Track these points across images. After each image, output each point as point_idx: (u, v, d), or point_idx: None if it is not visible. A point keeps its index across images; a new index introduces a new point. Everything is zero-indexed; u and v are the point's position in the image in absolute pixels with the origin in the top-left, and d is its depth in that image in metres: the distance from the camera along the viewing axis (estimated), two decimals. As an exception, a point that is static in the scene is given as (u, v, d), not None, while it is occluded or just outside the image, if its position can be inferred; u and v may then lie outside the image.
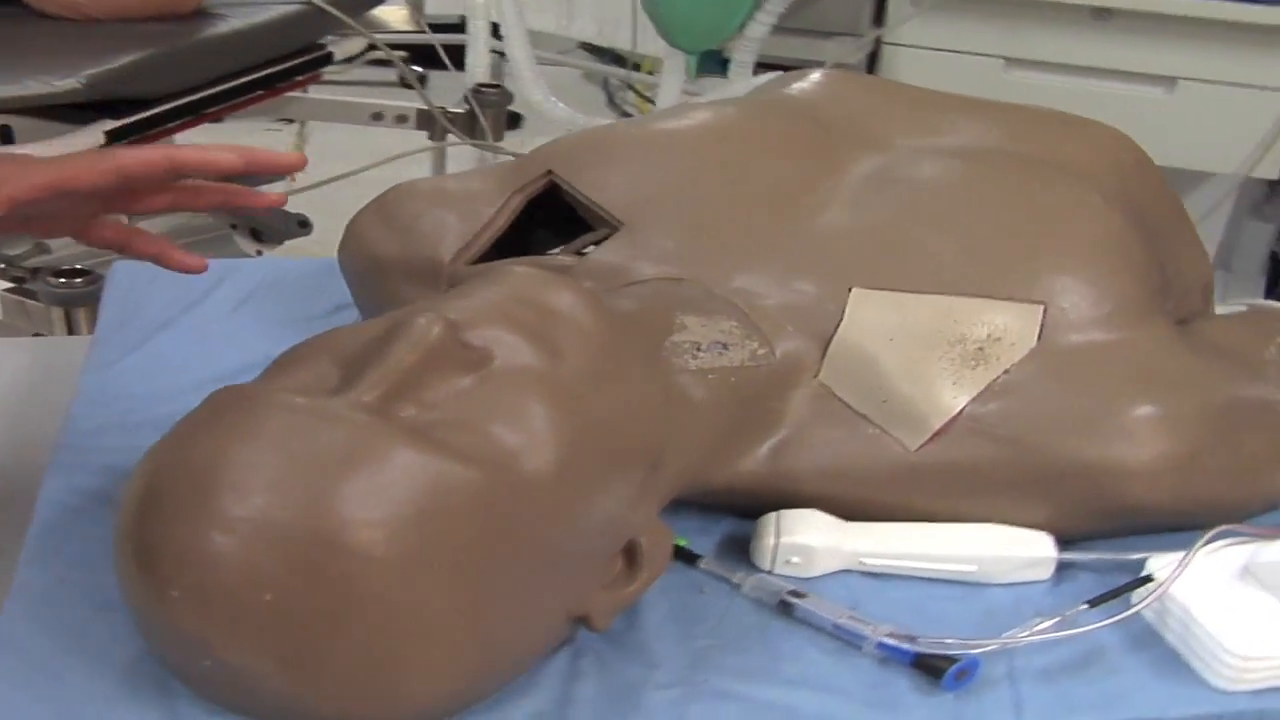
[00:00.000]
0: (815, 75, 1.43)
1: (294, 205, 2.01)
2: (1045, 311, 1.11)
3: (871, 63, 3.00)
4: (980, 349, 1.10)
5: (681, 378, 1.05)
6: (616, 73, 3.77)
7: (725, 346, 1.08)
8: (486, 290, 0.97)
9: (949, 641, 0.98)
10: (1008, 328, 1.11)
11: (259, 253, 2.19)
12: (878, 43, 2.96)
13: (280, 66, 2.31)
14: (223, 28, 2.18)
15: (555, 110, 2.77)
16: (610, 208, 1.22)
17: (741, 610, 1.04)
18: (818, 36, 2.96)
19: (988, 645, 0.97)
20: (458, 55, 2.87)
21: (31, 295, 2.02)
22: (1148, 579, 1.03)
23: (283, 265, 1.53)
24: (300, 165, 1.11)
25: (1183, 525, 1.11)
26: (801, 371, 1.12)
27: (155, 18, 2.17)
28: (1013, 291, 1.12)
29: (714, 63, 2.96)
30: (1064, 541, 1.09)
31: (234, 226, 2.12)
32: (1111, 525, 1.12)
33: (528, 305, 0.95)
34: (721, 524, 1.13)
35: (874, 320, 1.12)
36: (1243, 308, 1.40)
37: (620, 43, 3.39)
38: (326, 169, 2.52)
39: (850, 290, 1.14)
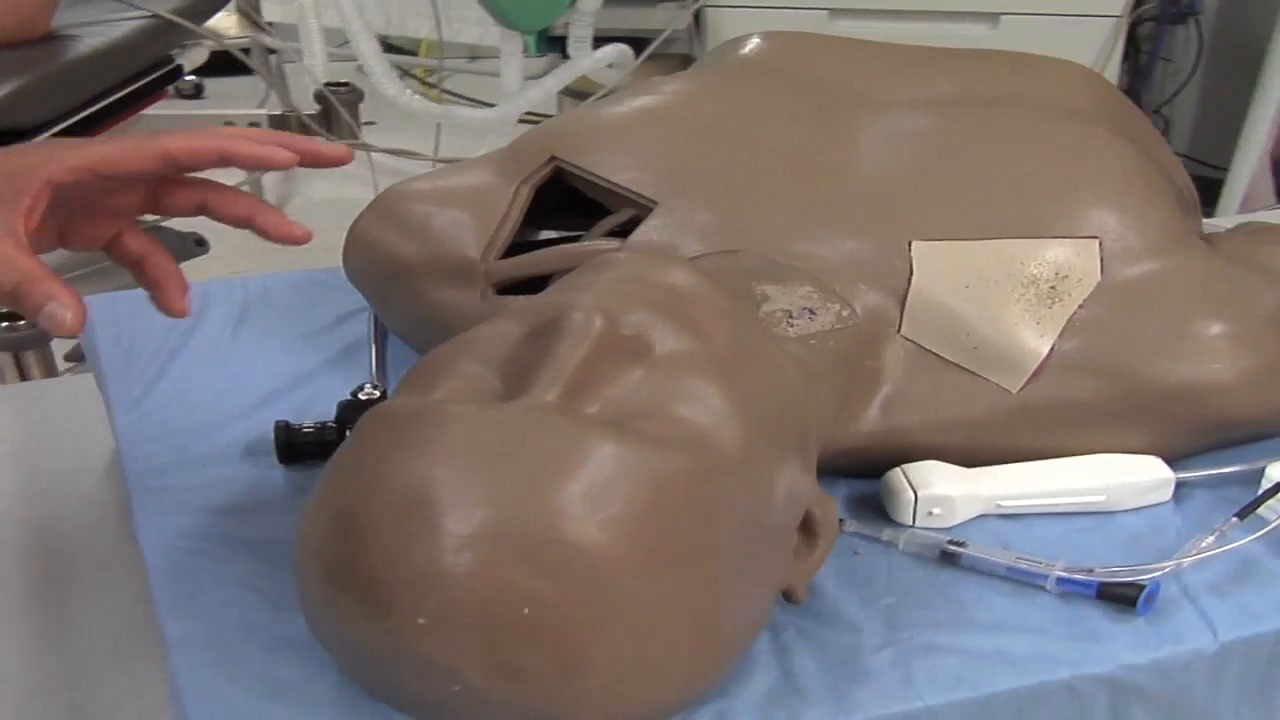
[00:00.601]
0: (759, 40, 1.43)
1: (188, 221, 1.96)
2: (1101, 245, 1.13)
3: (697, 25, 3.00)
4: (1053, 287, 1.12)
5: (790, 346, 1.04)
6: (400, 60, 3.71)
7: (813, 311, 1.08)
8: (606, 278, 0.96)
9: (1123, 569, 1.00)
10: (1071, 264, 1.12)
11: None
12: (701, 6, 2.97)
13: (139, 83, 2.24)
14: (83, 49, 2.10)
15: (411, 103, 2.73)
16: (637, 188, 1.20)
17: (904, 566, 1.04)
18: (645, 5, 2.95)
19: (1164, 567, 0.99)
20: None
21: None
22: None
23: (263, 282, 1.48)
24: (347, 158, 1.05)
25: (1266, 434, 1.16)
26: (885, 327, 1.13)
27: (7, 45, 2.07)
28: (1058, 229, 1.14)
29: (548, 42, 2.96)
30: (1166, 462, 1.12)
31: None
32: (1206, 442, 1.15)
33: (654, 288, 0.94)
34: (839, 486, 1.13)
35: (944, 270, 1.13)
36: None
37: (410, 30, 3.36)
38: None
39: (910, 244, 1.14)
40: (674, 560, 0.80)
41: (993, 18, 2.88)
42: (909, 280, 1.13)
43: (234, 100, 2.87)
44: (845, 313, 1.10)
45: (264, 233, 1.00)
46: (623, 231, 1.21)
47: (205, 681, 0.91)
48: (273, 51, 3.05)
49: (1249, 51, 3.09)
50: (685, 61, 3.11)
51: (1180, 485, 1.12)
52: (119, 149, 0.92)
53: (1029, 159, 1.20)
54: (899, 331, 1.13)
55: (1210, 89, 3.43)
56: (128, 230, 1.02)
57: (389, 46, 3.57)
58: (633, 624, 0.79)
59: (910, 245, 1.14)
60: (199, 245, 2.06)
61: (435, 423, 0.82)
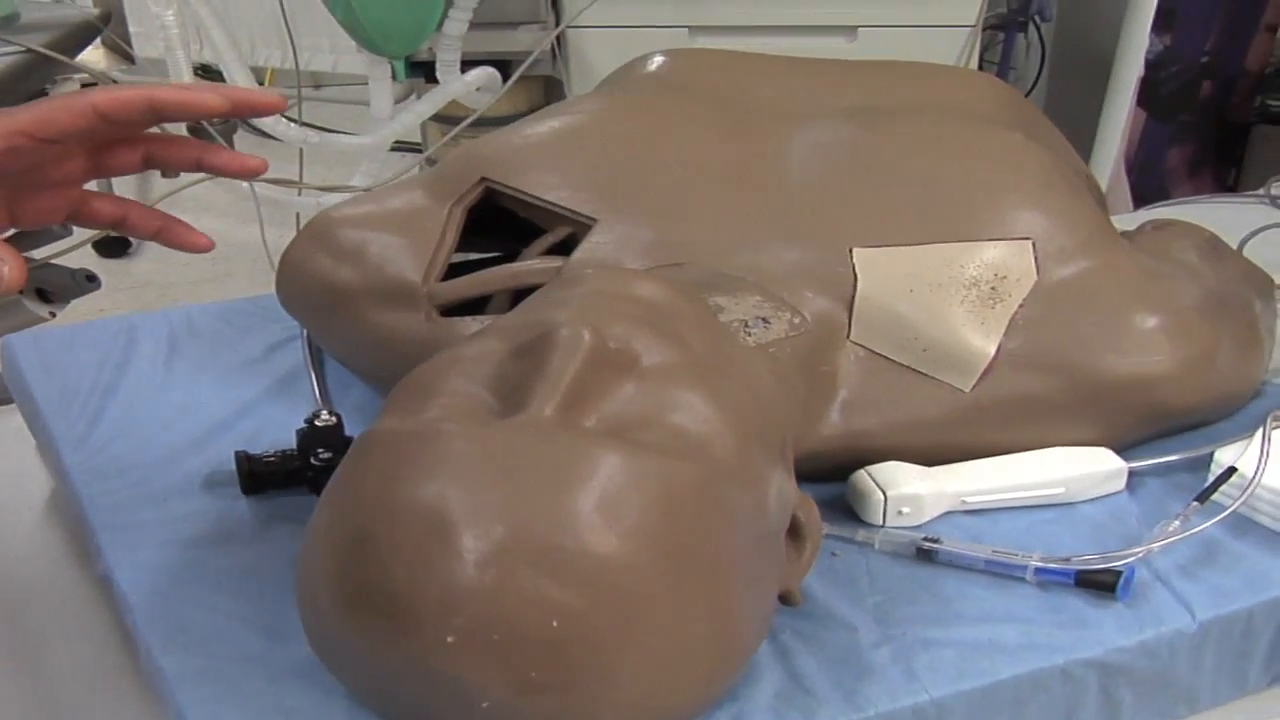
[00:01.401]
0: (661, 57, 1.45)
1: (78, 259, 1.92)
2: (1034, 245, 1.16)
3: (560, 47, 3.02)
4: (993, 288, 1.15)
5: (757, 356, 1.06)
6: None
7: (766, 320, 1.10)
8: (581, 293, 0.97)
9: (1096, 557, 1.03)
10: (1008, 265, 1.16)
11: (51, 314, 2.06)
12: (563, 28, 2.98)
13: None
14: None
15: (289, 131, 2.70)
16: (573, 206, 1.21)
17: (882, 564, 1.07)
18: (507, 28, 2.96)
19: (1136, 553, 1.03)
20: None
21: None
22: (1232, 470, 1.10)
23: (187, 313, 1.46)
24: (283, 106, 1.03)
25: (1205, 420, 1.21)
26: (836, 332, 1.15)
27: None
28: (992, 232, 1.17)
29: (414, 67, 2.95)
30: (1116, 453, 1.16)
31: (21, 292, 1.99)
32: (1151, 430, 1.20)
33: (630, 301, 0.95)
34: (803, 489, 1.14)
35: (888, 275, 1.16)
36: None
37: (265, 60, 3.33)
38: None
39: (851, 250, 1.16)
40: (690, 566, 0.81)
41: (850, 30, 2.92)
42: (854, 286, 1.15)
43: None
44: (797, 320, 1.12)
45: (217, 169, 0.97)
46: (561, 249, 1.22)
47: (216, 715, 0.91)
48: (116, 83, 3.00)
49: (1090, 58, 3.17)
50: (550, 83, 3.12)
51: (1133, 474, 1.16)
52: (48, 108, 0.87)
53: (953, 164, 1.23)
54: (849, 337, 1.15)
55: (1055, 97, 3.50)
56: (92, 198, 0.98)
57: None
58: (656, 631, 0.80)
59: (851, 252, 1.16)
60: (90, 281, 2.00)
61: (438, 442, 0.82)
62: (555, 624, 0.77)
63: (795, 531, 0.96)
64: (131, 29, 3.23)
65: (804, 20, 2.92)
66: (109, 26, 2.55)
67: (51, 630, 1.10)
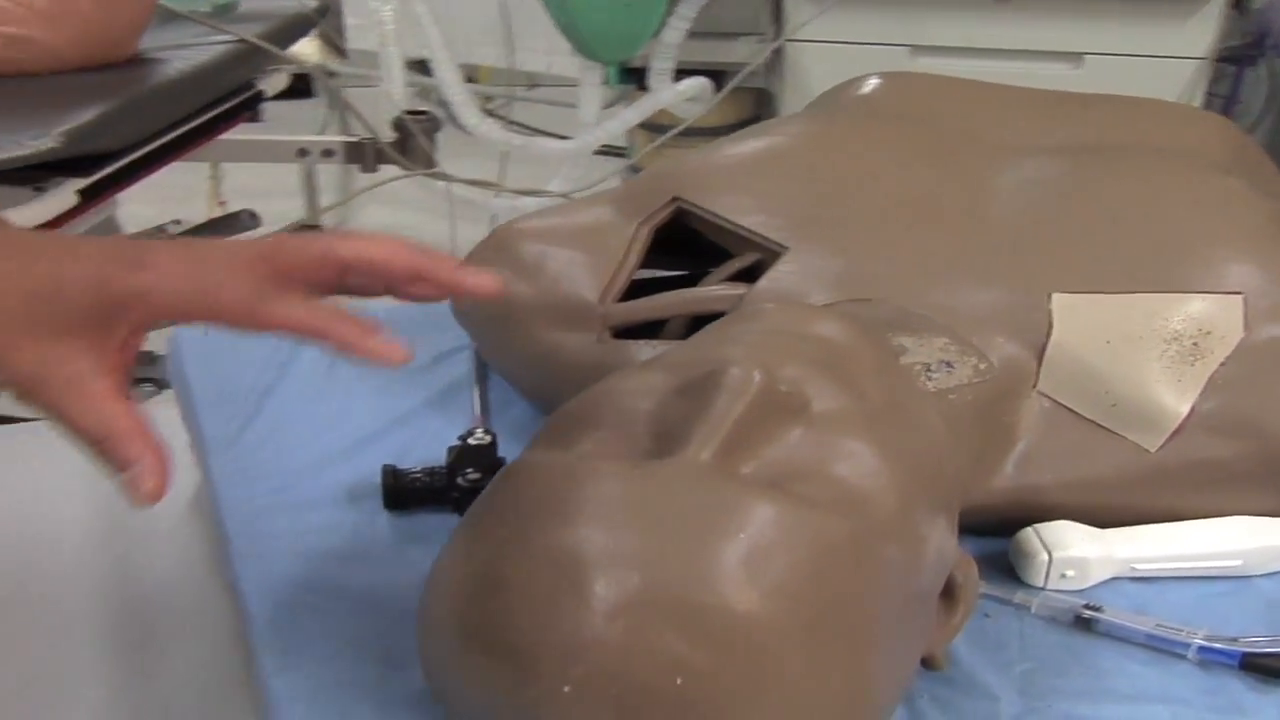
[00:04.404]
0: (876, 80, 1.40)
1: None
2: (1245, 300, 1.09)
3: (777, 60, 2.98)
4: (1195, 344, 1.07)
5: (929, 401, 1.00)
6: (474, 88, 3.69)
7: (950, 365, 1.05)
8: (757, 330, 0.93)
9: (1265, 639, 0.96)
10: (1215, 320, 1.08)
11: None
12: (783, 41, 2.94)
13: (221, 108, 2.22)
14: (170, 72, 2.07)
15: (491, 132, 2.70)
16: (765, 232, 1.17)
17: (1036, 629, 1.01)
18: (725, 39, 2.93)
19: (1309, 638, 0.96)
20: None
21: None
22: None
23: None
24: (492, 291, 0.89)
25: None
26: (1022, 381, 1.09)
27: (95, 67, 2.05)
28: (1200, 283, 1.10)
29: (626, 73, 2.94)
30: (1303, 525, 1.08)
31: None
32: None
33: (808, 341, 0.91)
34: (965, 544, 1.08)
35: (1085, 325, 1.09)
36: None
37: (480, 58, 3.33)
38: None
39: (1050, 296, 1.10)
40: (832, 630, 0.77)
41: (1076, 58, 2.84)
42: (1048, 333, 1.09)
43: (297, 125, 2.85)
44: (983, 366, 1.06)
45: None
46: (747, 276, 1.17)
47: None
48: (333, 75, 3.02)
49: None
50: (763, 95, 3.09)
51: (1319, 551, 1.08)
52: (224, 304, 0.80)
53: (1167, 210, 1.16)
54: (1035, 387, 1.09)
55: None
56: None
57: (468, 77, 3.57)
58: (786, 694, 0.75)
59: (1050, 298, 1.10)
60: (252, 219, 2.05)
61: (585, 481, 0.79)
62: (679, 681, 0.72)
63: (950, 592, 0.91)
64: (348, 21, 3.25)
65: (1029, 45, 2.85)
66: (324, 20, 2.56)
67: (173, 632, 1.09)
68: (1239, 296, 1.09)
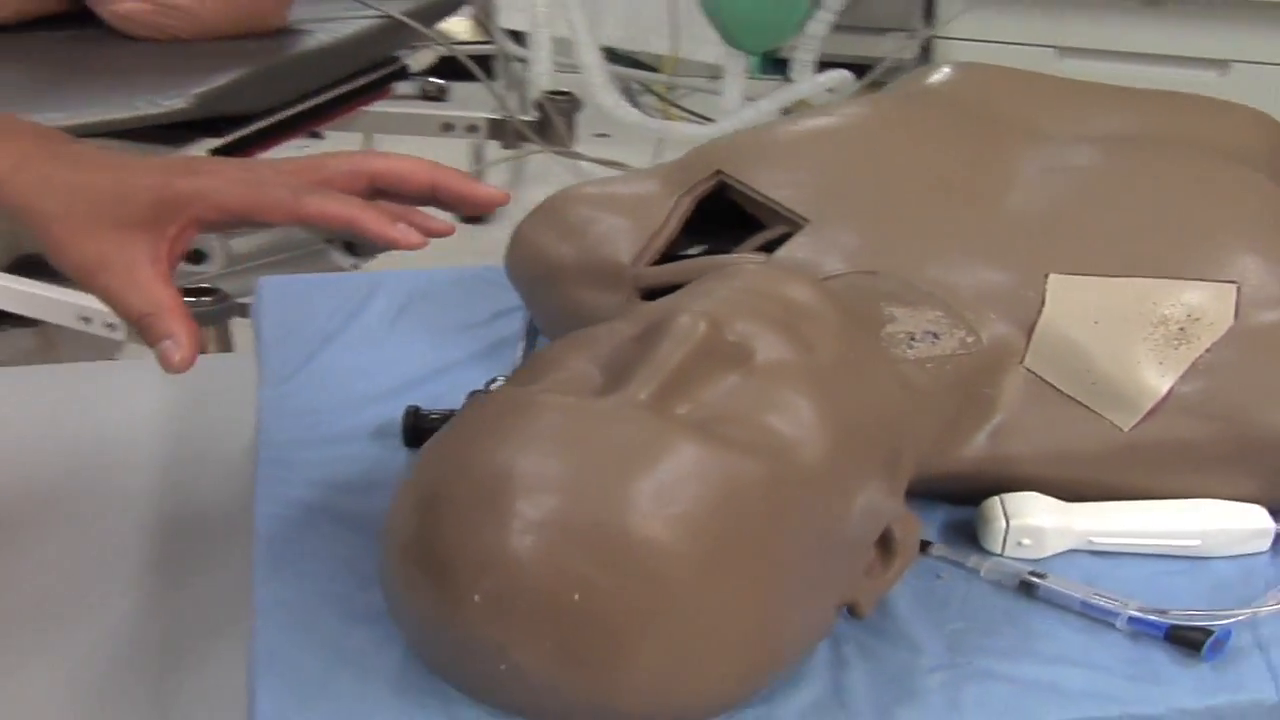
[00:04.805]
0: (949, 69, 1.44)
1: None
2: (1239, 291, 1.12)
3: (925, 56, 3.01)
4: (1181, 329, 1.11)
5: (903, 367, 1.06)
6: (636, 75, 3.76)
7: (936, 335, 1.09)
8: (727, 286, 0.99)
9: (1198, 614, 0.99)
10: (1205, 308, 1.11)
11: (354, 266, 2.20)
12: (930, 37, 2.97)
13: (364, 80, 2.32)
14: (310, 43, 2.19)
15: (628, 115, 2.78)
16: (791, 205, 1.22)
17: (982, 593, 1.05)
18: (872, 33, 2.97)
19: (1238, 615, 0.99)
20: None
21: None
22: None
23: (432, 276, 1.53)
24: (503, 200, 1.05)
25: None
26: (1008, 357, 1.13)
27: (243, 35, 2.17)
28: (1199, 271, 1.13)
29: (771, 64, 2.98)
30: (1272, 512, 1.11)
31: (329, 241, 2.13)
32: None
33: (771, 300, 0.97)
34: (939, 510, 1.14)
35: (1077, 305, 1.13)
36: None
37: (651, 46, 3.40)
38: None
39: (1047, 276, 1.14)
40: (733, 563, 0.83)
41: (1223, 65, 2.83)
42: (1039, 312, 1.13)
43: (465, 103, 2.94)
44: (970, 339, 1.11)
45: (454, 199, 1.03)
46: (773, 247, 1.23)
47: (279, 645, 0.96)
48: (508, 59, 3.11)
49: None
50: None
51: (1280, 537, 1.10)
52: (268, 201, 0.95)
53: (1181, 200, 1.19)
54: (1021, 362, 1.13)
55: None
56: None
57: (634, 62, 3.65)
58: (683, 621, 0.81)
59: (1046, 277, 1.14)
60: None
61: (529, 411, 0.86)
62: (577, 597, 0.79)
63: (888, 545, 0.96)
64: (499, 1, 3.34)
65: (1176, 50, 2.85)
66: (478, 6, 2.66)
67: (208, 551, 1.18)
68: (1233, 286, 1.12)
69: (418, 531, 0.85)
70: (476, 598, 0.81)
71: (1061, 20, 2.88)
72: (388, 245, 0.96)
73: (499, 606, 0.80)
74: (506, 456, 0.83)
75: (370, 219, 0.95)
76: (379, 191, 1.00)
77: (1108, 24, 2.87)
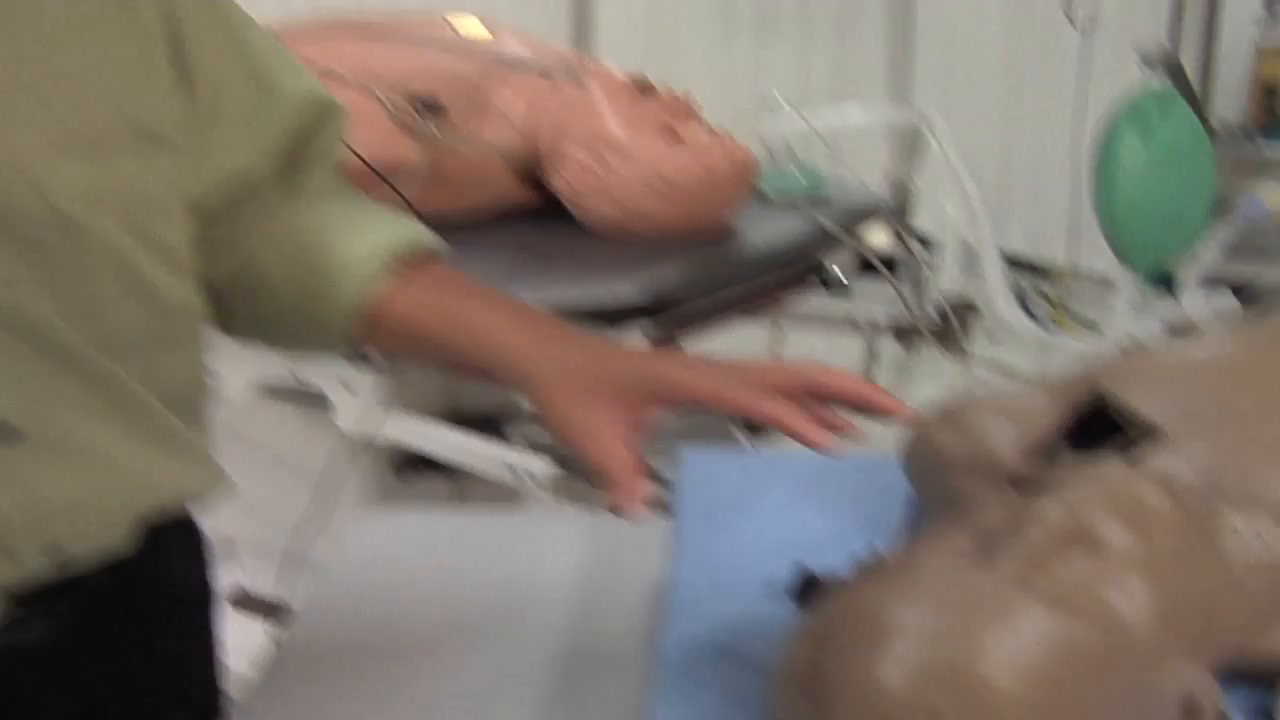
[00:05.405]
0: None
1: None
2: None
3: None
4: None
5: (1232, 566, 1.16)
6: (1033, 285, 3.82)
7: (1268, 544, 1.18)
8: (1089, 484, 1.16)
9: None
10: None
11: (752, 445, 2.43)
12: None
13: (786, 273, 2.58)
14: (747, 249, 2.47)
15: (1024, 327, 3.00)
16: (1156, 418, 1.30)
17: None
18: (1260, 261, 3.09)
19: None
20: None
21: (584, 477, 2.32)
22: None
23: (833, 464, 1.70)
24: (903, 415, 1.29)
25: None
26: None
27: (692, 238, 2.48)
28: None
29: (1159, 276, 3.11)
30: None
31: (732, 421, 2.37)
32: None
33: (1125, 498, 1.14)
34: (1238, 692, 1.19)
35: None
36: None
37: (1049, 252, 3.54)
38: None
39: None
40: (1061, 713, 1.00)
41: None
42: None
43: (865, 297, 3.12)
44: None
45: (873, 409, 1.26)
46: (1130, 451, 1.29)
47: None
48: (890, 262, 3.25)
49: None
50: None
51: None
52: (727, 395, 1.15)
53: None
54: None
55: None
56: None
57: (1033, 267, 3.82)
58: None
59: None
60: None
61: (913, 571, 1.09)
62: None
63: (1191, 712, 1.08)
64: (918, 211, 3.60)
65: None
66: (896, 212, 2.87)
67: (604, 678, 1.42)
68: None
69: (809, 658, 1.06)
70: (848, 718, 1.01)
71: None
72: (811, 447, 1.17)
73: None
74: (890, 604, 1.04)
75: (803, 426, 1.16)
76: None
77: None
